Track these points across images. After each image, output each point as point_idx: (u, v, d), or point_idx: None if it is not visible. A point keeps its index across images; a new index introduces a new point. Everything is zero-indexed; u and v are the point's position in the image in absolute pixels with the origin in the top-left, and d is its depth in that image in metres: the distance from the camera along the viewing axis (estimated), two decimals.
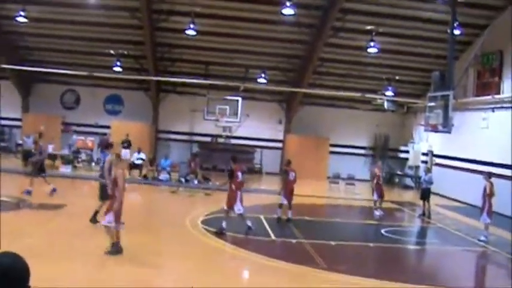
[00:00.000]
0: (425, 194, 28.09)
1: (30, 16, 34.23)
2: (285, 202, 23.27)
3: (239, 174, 20.30)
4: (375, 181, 26.93)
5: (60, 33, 37.62)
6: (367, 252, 19.54)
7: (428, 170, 29.43)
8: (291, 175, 23.37)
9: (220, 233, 19.31)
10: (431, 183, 27.90)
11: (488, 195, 22.76)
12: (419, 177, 39.50)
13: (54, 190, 24.85)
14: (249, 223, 19.85)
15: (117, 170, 15.56)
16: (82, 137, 40.46)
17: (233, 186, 20.05)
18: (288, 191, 23.41)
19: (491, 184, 22.91)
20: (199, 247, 17.87)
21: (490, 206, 22.72)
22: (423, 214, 27.89)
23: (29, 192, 23.87)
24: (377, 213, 26.07)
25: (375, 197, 26.67)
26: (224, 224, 19.46)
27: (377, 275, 15.69)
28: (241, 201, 19.94)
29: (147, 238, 18.50)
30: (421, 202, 28.49)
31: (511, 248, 20.19)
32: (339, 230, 24.26)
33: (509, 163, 29.49)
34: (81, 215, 20.45)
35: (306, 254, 17.46)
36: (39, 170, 25.42)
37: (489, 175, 23.45)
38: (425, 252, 21.20)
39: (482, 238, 22.45)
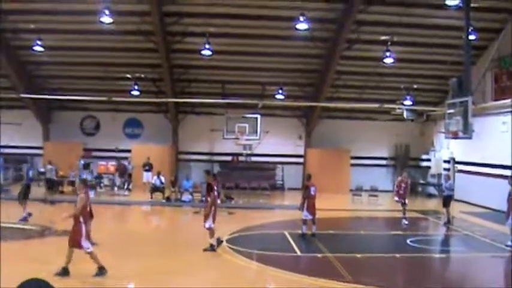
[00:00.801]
0: (447, 201, 28.01)
1: (47, 45, 34.60)
2: (309, 217, 23.08)
3: (215, 188, 20.66)
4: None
5: (76, 60, 37.93)
6: (393, 263, 19.42)
7: (448, 177, 29.24)
8: (312, 190, 23.13)
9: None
10: (452, 189, 27.72)
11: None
12: (441, 185, 39.49)
13: (29, 215, 24.75)
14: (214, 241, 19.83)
15: (80, 194, 15.58)
16: (104, 162, 40.61)
17: (208, 201, 20.17)
18: (310, 205, 23.15)
19: None
20: (226, 266, 17.86)
21: None
22: (448, 222, 27.73)
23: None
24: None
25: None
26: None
27: (404, 285, 15.62)
28: (213, 217, 19.94)
29: (174, 262, 18.45)
30: (444, 210, 28.31)
31: None
32: (364, 242, 24.16)
33: None
34: (104, 240, 20.52)
35: (332, 268, 17.41)
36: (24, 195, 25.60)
37: None
38: (452, 261, 21.05)
39: (510, 243, 22.28)
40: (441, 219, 30.03)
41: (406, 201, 28.41)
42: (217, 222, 28.15)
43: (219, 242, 20.11)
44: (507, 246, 22.26)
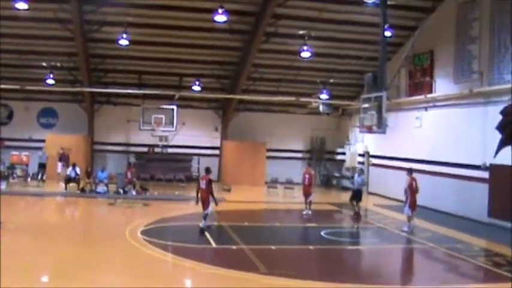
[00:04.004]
0: (358, 195, 28.44)
1: None
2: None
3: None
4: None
5: None
6: (307, 255, 19.64)
7: (361, 172, 29.56)
8: (202, 183, 22.29)
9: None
10: (363, 184, 28.08)
11: (410, 189, 23.94)
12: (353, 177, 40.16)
13: None
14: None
15: None
16: (16, 152, 39.80)
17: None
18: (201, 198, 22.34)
19: (414, 179, 23.97)
20: (140, 258, 17.73)
21: (413, 199, 23.73)
22: (355, 214, 28.26)
23: None
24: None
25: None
26: None
27: (318, 276, 15.83)
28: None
29: (88, 253, 18.24)
30: (353, 203, 28.64)
31: None
32: (279, 234, 24.33)
33: (443, 160, 30.14)
34: (17, 232, 20.21)
35: (246, 259, 17.48)
36: None
37: (410, 171, 24.65)
38: (364, 252, 21.41)
39: (405, 229, 23.86)
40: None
41: (311, 194, 29.02)
42: (132, 214, 28.12)
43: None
44: (403, 231, 23.83)
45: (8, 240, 19.09)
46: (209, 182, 22.03)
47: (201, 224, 21.88)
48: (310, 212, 28.50)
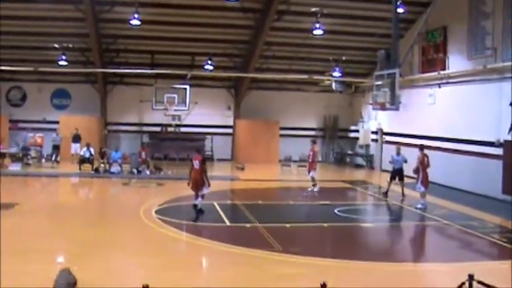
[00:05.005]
0: (400, 175, 27.30)
1: None
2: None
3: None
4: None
5: (1, 29, 36.97)
6: (321, 233, 19.67)
7: (399, 150, 28.58)
8: (195, 163, 21.57)
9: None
10: (405, 161, 27.24)
11: (421, 165, 23.97)
12: (371, 156, 40.17)
13: None
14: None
15: None
16: (36, 134, 39.90)
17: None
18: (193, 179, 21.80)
19: (425, 155, 23.82)
20: (154, 237, 17.82)
21: (425, 176, 23.58)
22: (386, 193, 27.58)
23: None
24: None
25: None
26: None
27: (332, 254, 15.86)
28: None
29: (103, 233, 18.36)
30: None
31: None
32: (293, 212, 24.46)
33: (457, 137, 30.03)
34: (33, 213, 20.31)
35: (261, 237, 17.51)
36: None
37: (421, 147, 24.85)
38: (378, 229, 21.33)
39: (419, 206, 23.80)
40: (368, 189, 30.51)
41: (313, 170, 29.25)
42: (146, 193, 28.21)
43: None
44: (416, 208, 23.74)
45: (24, 221, 19.22)
46: (202, 162, 21.55)
47: (196, 201, 21.41)
48: (311, 189, 28.90)
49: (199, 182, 21.31)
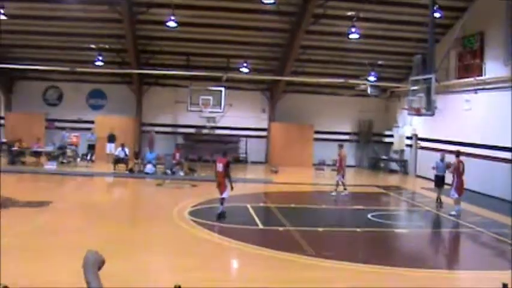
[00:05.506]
0: (441, 180, 26.68)
1: (9, 13, 34.00)
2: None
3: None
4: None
5: (40, 30, 37.39)
6: (354, 237, 19.58)
7: (443, 157, 27.98)
8: (218, 166, 21.32)
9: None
10: (447, 167, 26.61)
11: (456, 172, 23.73)
12: (405, 161, 39.97)
13: None
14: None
15: None
16: (72, 133, 40.23)
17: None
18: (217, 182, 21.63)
19: (460, 162, 23.57)
20: (186, 238, 17.86)
21: (461, 182, 23.36)
22: (438, 200, 26.65)
23: None
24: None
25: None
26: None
27: (364, 259, 15.77)
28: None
29: (134, 231, 18.51)
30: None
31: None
32: (326, 216, 24.38)
33: (494, 144, 29.72)
34: (66, 211, 20.48)
35: (293, 241, 17.52)
36: None
37: (457, 153, 24.49)
38: (412, 236, 21.17)
39: (453, 213, 23.49)
40: (402, 195, 30.32)
41: (340, 175, 29.33)
42: (179, 194, 28.30)
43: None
44: (450, 215, 23.46)
45: (56, 219, 19.40)
46: (226, 165, 21.20)
47: (219, 209, 21.13)
48: (334, 194, 28.99)
49: (222, 185, 21.18)
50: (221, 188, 21.17)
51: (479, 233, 20.43)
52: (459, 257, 18.61)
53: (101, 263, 4.13)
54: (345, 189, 29.11)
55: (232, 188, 21.24)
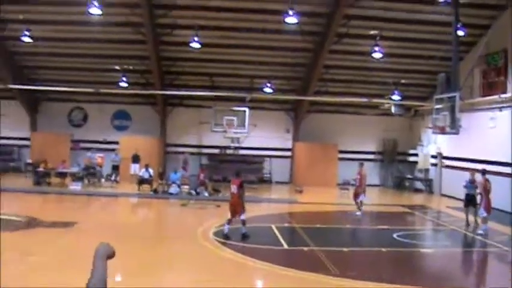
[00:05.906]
0: (472, 200, 25.59)
1: (35, 35, 34.45)
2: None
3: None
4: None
5: (65, 51, 37.77)
6: (379, 257, 19.47)
7: (473, 176, 27.40)
8: (232, 188, 21.19)
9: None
10: (476, 187, 26.04)
11: (484, 190, 23.55)
12: (430, 180, 39.75)
13: None
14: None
15: None
16: (97, 154, 40.42)
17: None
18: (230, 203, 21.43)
19: (487, 180, 23.38)
20: (211, 258, 17.85)
21: (488, 201, 23.20)
22: (467, 224, 25.65)
23: None
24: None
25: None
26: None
27: (390, 279, 15.66)
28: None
29: (160, 253, 18.52)
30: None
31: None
32: (351, 236, 24.31)
33: None
34: (91, 232, 20.53)
35: (318, 261, 17.43)
36: None
37: (483, 172, 24.33)
38: (438, 255, 21.01)
39: (481, 232, 23.36)
40: (427, 214, 30.13)
41: (361, 195, 28.79)
42: (204, 215, 28.29)
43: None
44: (478, 234, 23.32)
45: (81, 240, 19.44)
46: (240, 186, 20.90)
47: (242, 230, 20.80)
48: (358, 213, 28.44)
49: (236, 206, 20.86)
50: (237, 209, 20.82)
51: (507, 252, 20.26)
52: (485, 277, 18.47)
53: (111, 254, 4.38)
54: (359, 209, 28.80)
55: (244, 210, 20.89)
